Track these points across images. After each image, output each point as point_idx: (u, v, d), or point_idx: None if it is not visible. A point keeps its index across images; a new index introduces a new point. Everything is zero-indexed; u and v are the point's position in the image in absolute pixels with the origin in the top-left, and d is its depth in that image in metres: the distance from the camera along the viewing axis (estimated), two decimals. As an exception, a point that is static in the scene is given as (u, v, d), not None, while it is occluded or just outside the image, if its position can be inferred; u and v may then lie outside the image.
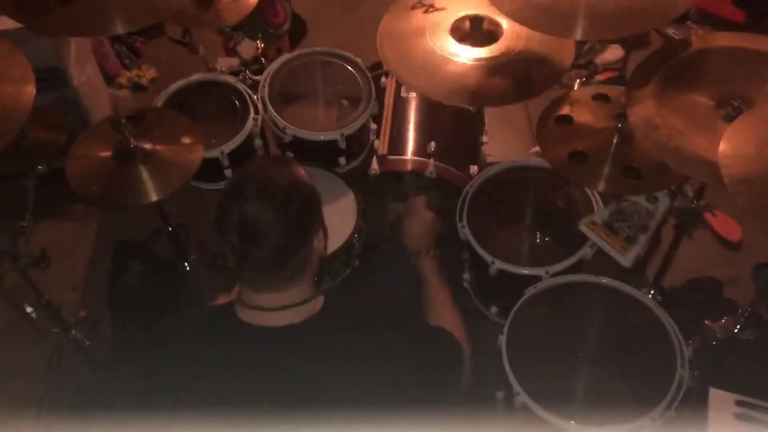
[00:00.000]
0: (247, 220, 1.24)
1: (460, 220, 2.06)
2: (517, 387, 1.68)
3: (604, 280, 1.86)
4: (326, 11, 3.68)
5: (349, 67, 2.40)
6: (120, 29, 1.77)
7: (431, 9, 2.05)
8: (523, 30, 1.94)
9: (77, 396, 2.33)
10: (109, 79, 3.34)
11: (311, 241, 1.35)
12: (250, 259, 1.27)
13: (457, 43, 2.00)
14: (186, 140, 2.00)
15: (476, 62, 1.96)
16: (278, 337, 1.32)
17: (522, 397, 1.67)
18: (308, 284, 1.37)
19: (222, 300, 1.61)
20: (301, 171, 1.35)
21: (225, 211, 1.27)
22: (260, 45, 2.62)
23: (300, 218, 1.30)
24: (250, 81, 2.50)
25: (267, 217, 1.24)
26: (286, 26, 3.07)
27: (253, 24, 2.67)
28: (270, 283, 1.32)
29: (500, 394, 1.84)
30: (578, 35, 1.64)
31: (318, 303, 1.37)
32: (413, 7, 2.08)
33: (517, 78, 1.93)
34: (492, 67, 1.94)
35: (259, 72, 2.49)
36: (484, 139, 2.55)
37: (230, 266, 1.30)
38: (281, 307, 1.32)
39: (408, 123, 2.41)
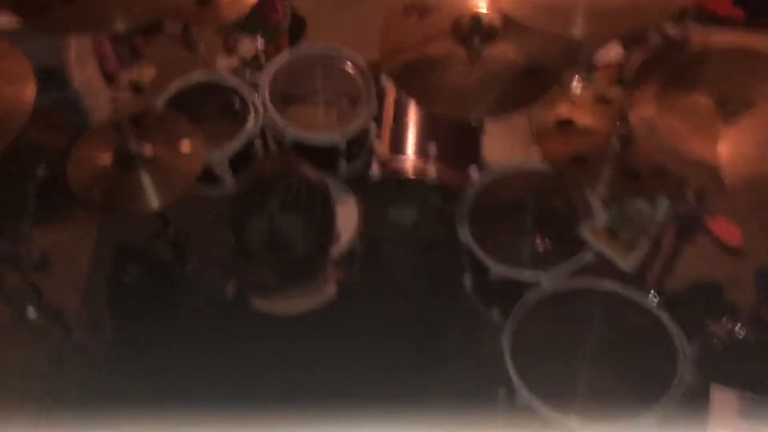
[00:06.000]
0: (278, 236, 1.22)
1: (461, 222, 2.06)
2: (518, 385, 1.69)
3: (605, 284, 1.86)
4: (326, 9, 3.67)
5: (350, 68, 2.40)
6: (120, 27, 1.77)
7: (423, 13, 2.03)
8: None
9: (77, 396, 2.33)
10: (109, 79, 3.33)
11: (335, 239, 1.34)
12: (277, 281, 1.25)
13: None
14: (186, 147, 1.99)
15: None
16: (282, 324, 1.32)
17: (524, 396, 1.67)
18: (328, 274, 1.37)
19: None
20: (307, 166, 1.33)
21: (250, 227, 1.22)
22: (260, 44, 2.62)
23: (327, 219, 1.29)
24: (251, 81, 2.50)
25: (297, 229, 1.23)
26: (285, 24, 3.06)
27: (252, 22, 2.67)
28: (293, 292, 1.31)
29: (502, 392, 1.85)
30: (577, 32, 1.63)
31: (331, 289, 1.36)
32: (405, 14, 2.05)
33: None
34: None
35: (260, 71, 2.48)
36: (484, 140, 2.55)
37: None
38: (303, 295, 1.32)
39: (408, 124, 2.41)
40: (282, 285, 1.26)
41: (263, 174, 1.28)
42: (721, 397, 1.75)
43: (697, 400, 1.75)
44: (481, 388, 1.83)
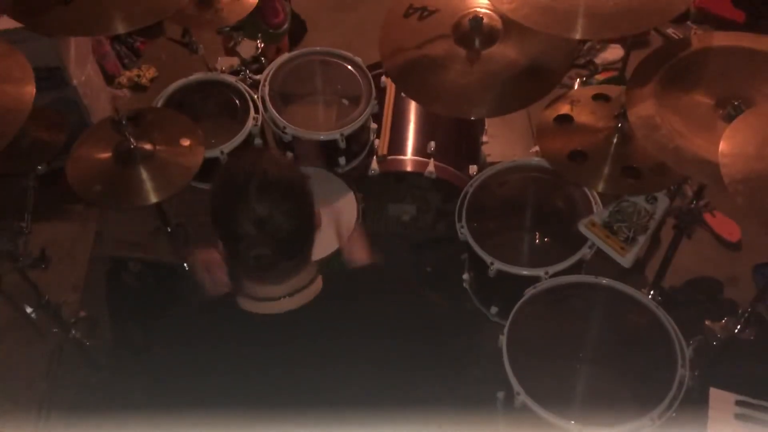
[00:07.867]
0: (262, 219, 1.24)
1: (460, 220, 2.06)
2: (517, 387, 1.68)
3: (604, 281, 1.86)
4: (326, 11, 3.68)
5: (349, 67, 2.40)
6: (120, 29, 1.77)
7: (425, 14, 2.03)
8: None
9: (77, 396, 2.33)
10: (109, 79, 3.34)
11: (316, 216, 1.36)
12: (273, 253, 1.26)
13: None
14: (186, 141, 2.00)
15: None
16: (280, 324, 1.32)
17: (522, 397, 1.67)
18: (313, 263, 1.39)
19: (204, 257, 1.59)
20: (276, 156, 1.36)
21: (235, 215, 1.25)
22: (260, 45, 2.62)
23: (304, 197, 1.31)
24: (250, 80, 2.50)
25: (280, 208, 1.25)
26: (285, 26, 3.07)
27: (252, 24, 2.67)
28: (286, 271, 1.32)
29: (501, 395, 1.85)
30: (578, 34, 1.63)
31: (319, 283, 1.38)
32: (406, 16, 2.06)
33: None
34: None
35: (259, 71, 2.48)
36: (484, 138, 2.56)
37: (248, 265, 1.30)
38: (292, 292, 1.33)
39: (408, 123, 2.42)
40: (277, 258, 1.27)
41: (235, 168, 1.32)
42: (720, 399, 1.75)
43: (695, 402, 1.74)
44: (479, 387, 1.83)
